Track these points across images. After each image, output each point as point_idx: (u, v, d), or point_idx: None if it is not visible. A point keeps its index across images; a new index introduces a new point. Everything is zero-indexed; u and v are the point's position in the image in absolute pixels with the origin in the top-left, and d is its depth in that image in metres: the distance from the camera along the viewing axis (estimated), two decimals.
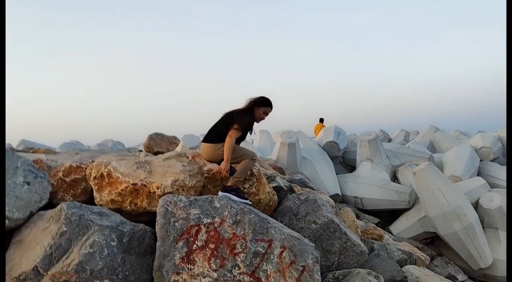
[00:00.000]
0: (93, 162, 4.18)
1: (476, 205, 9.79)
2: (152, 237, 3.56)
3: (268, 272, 3.34)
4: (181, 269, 3.27)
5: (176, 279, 3.25)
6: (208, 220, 3.42)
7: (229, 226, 3.43)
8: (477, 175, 11.28)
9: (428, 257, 7.82)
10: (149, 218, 3.85)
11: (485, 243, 9.06)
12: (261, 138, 13.60)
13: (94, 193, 3.97)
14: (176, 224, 3.39)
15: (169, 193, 3.74)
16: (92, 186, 4.01)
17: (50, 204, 4.03)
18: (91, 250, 3.10)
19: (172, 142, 6.93)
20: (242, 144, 4.54)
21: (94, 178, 3.98)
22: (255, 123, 4.26)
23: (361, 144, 11.28)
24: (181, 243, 3.34)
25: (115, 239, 3.26)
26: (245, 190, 4.47)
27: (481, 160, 12.10)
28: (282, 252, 3.42)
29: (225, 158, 3.98)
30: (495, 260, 8.96)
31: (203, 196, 3.61)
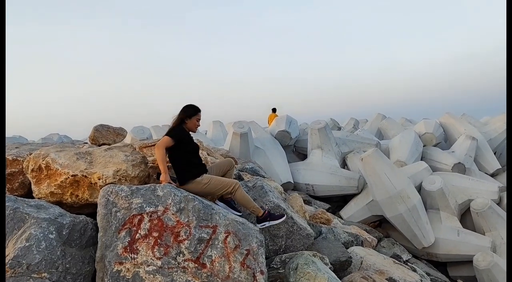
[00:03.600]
0: (30, 154, 4.02)
1: (419, 188, 10.33)
2: (94, 228, 3.50)
3: (213, 258, 3.37)
4: (124, 258, 3.24)
5: (119, 269, 3.22)
6: (151, 209, 3.39)
7: (172, 214, 3.43)
8: (421, 159, 11.87)
9: (375, 239, 8.17)
10: (91, 209, 3.78)
11: (427, 223, 9.60)
12: (214, 129, 13.58)
13: (32, 186, 3.83)
14: (118, 214, 3.34)
15: (111, 183, 3.67)
16: (30, 179, 3.86)
17: None
18: (27, 244, 3.00)
19: (119, 133, 6.75)
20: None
21: (32, 170, 3.83)
22: (191, 133, 4.08)
23: (311, 132, 11.54)
24: (123, 233, 3.29)
25: (54, 232, 3.17)
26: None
27: (424, 145, 12.73)
28: (226, 237, 3.46)
29: (160, 167, 3.71)
30: (437, 239, 9.52)
31: (146, 185, 3.57)
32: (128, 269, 3.22)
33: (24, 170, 3.95)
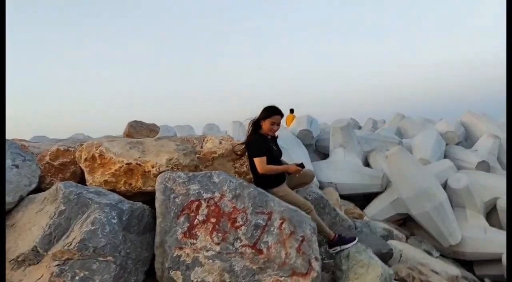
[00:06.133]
0: (81, 144, 4.09)
1: (444, 186, 10.24)
2: (151, 215, 3.54)
3: (269, 243, 3.40)
4: (184, 243, 3.28)
5: (179, 254, 3.26)
6: (208, 195, 3.44)
7: (229, 200, 3.47)
8: (444, 158, 11.79)
9: (404, 235, 8.15)
10: (143, 198, 3.82)
11: (454, 221, 9.50)
12: (234, 129, 13.64)
13: (86, 175, 3.89)
14: (176, 199, 3.39)
15: (164, 171, 3.72)
16: (83, 168, 3.92)
17: (38, 189, 3.92)
18: (92, 228, 3.05)
19: (152, 129, 6.85)
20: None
21: (85, 160, 3.89)
22: (269, 136, 4.03)
23: (334, 131, 11.53)
24: (182, 218, 3.34)
25: (116, 217, 3.22)
26: (236, 170, 4.52)
27: (446, 144, 12.65)
28: (281, 223, 3.49)
29: (281, 171, 3.86)
30: (463, 237, 9.42)
31: (202, 172, 3.62)
32: (188, 254, 3.26)
33: (76, 159, 4.02)
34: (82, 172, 4.00)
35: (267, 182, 3.85)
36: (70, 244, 2.98)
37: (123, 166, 3.74)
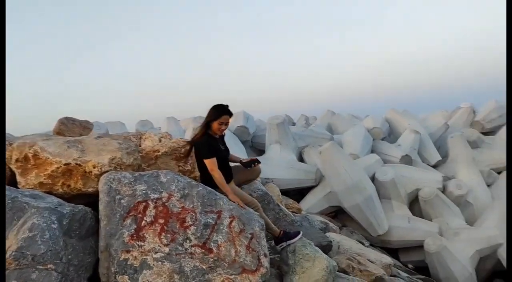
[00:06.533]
0: (11, 144, 3.75)
1: (372, 179, 10.89)
2: (93, 218, 3.37)
3: (219, 242, 3.39)
4: (131, 246, 3.15)
5: (126, 257, 3.13)
6: (156, 195, 3.33)
7: (177, 200, 3.39)
8: (371, 152, 12.51)
9: (337, 227, 8.53)
10: (84, 200, 3.62)
11: (382, 212, 10.16)
12: (169, 126, 13.35)
13: (18, 177, 3.58)
14: (122, 201, 3.24)
15: (107, 171, 3.55)
16: (14, 169, 3.61)
17: None
18: (30, 234, 2.83)
19: (85, 126, 6.45)
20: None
21: (17, 160, 3.58)
22: (217, 135, 4.03)
23: (270, 128, 11.74)
24: (128, 220, 3.21)
25: (56, 221, 3.01)
26: (180, 168, 4.43)
27: (373, 139, 13.43)
28: (231, 221, 3.49)
29: (226, 192, 3.73)
30: (390, 226, 10.10)
31: (148, 172, 3.50)
32: (135, 257, 3.15)
33: (6, 160, 3.68)
34: (13, 174, 3.68)
35: (214, 182, 3.81)
36: (5, 253, 2.73)
37: (61, 166, 3.50)
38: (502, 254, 8.96)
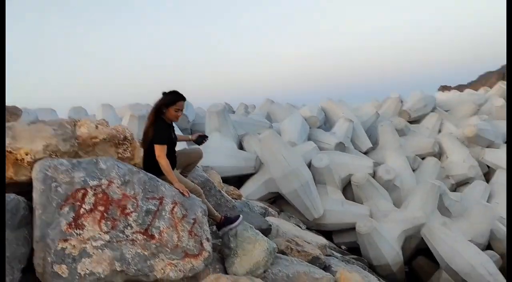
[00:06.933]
0: None
1: (309, 165, 11.29)
2: (27, 207, 3.21)
3: (161, 228, 3.40)
4: (69, 235, 3.07)
5: (64, 246, 3.05)
6: (95, 182, 3.25)
7: (117, 187, 3.33)
8: (308, 140, 12.94)
9: (276, 212, 8.80)
10: (15, 189, 3.42)
11: (317, 197, 10.59)
12: (104, 113, 12.83)
13: None
14: (59, 189, 3.13)
15: (41, 159, 3.39)
16: None
17: None
18: None
19: (13, 112, 6.06)
20: None
21: None
22: (174, 123, 3.97)
23: (209, 115, 11.71)
24: (66, 209, 3.11)
25: None
26: (120, 155, 4.33)
27: (309, 127, 13.88)
28: (173, 207, 3.50)
29: (172, 181, 3.67)
30: (325, 210, 10.57)
31: (87, 158, 3.40)
32: (74, 245, 3.08)
33: None
34: None
35: (159, 168, 3.77)
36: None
37: None
38: (425, 233, 9.73)
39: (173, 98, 3.87)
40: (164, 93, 3.92)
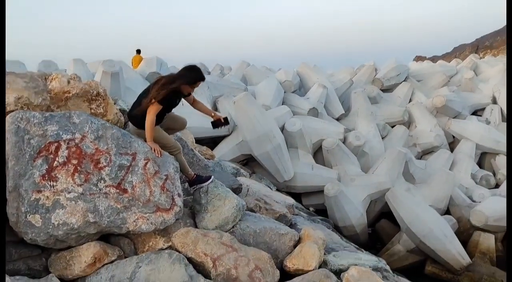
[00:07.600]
0: None
1: (282, 129, 11.47)
2: None
3: (134, 183, 3.50)
4: (43, 186, 3.15)
5: (38, 197, 3.13)
6: (68, 136, 3.30)
7: (91, 142, 3.39)
8: (282, 104, 13.06)
9: (248, 173, 9.02)
10: None
11: (288, 160, 10.84)
12: (75, 68, 12.47)
13: None
14: (32, 141, 3.17)
15: (12, 111, 3.39)
16: None
17: None
18: None
19: None
20: None
21: None
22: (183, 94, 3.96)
23: None
24: (39, 161, 3.17)
25: None
26: (93, 111, 4.34)
27: (284, 92, 13.97)
28: (146, 163, 3.60)
29: (147, 138, 3.68)
30: (295, 173, 10.87)
31: (60, 112, 3.42)
32: (47, 197, 3.16)
33: None
34: None
35: (144, 122, 3.74)
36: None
37: None
38: (389, 197, 10.21)
39: (194, 78, 3.90)
40: (185, 69, 3.88)
